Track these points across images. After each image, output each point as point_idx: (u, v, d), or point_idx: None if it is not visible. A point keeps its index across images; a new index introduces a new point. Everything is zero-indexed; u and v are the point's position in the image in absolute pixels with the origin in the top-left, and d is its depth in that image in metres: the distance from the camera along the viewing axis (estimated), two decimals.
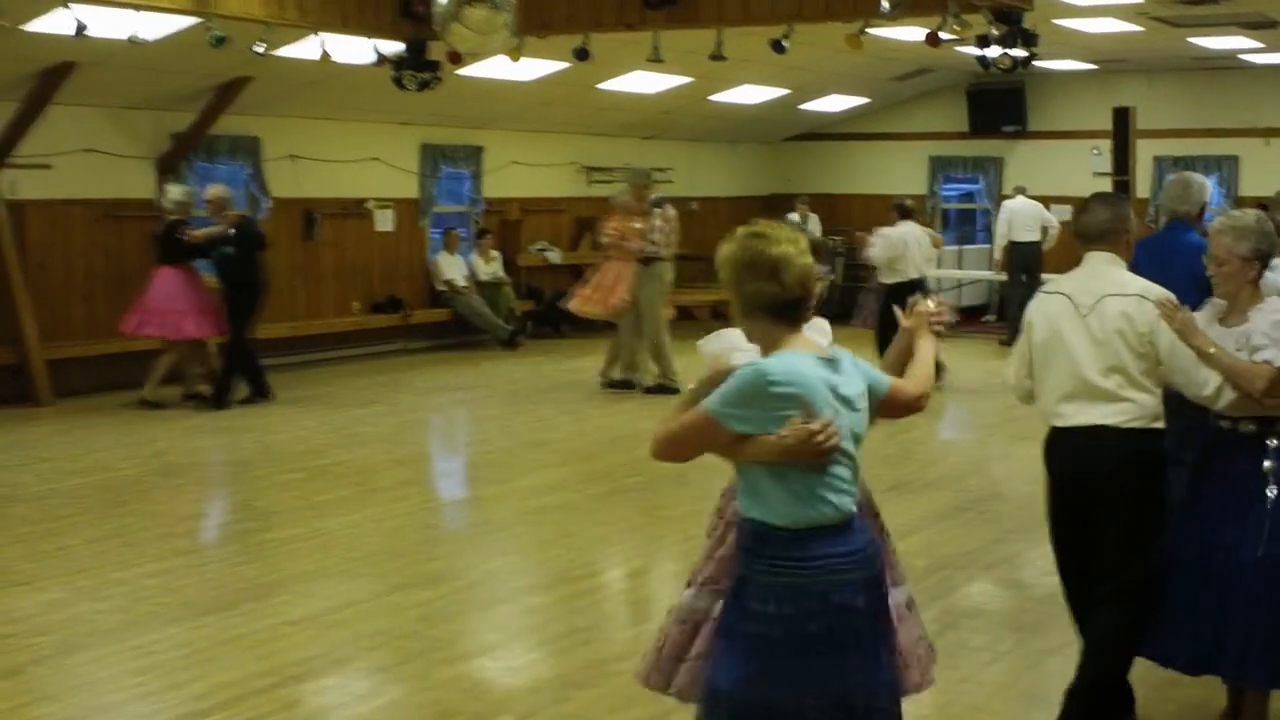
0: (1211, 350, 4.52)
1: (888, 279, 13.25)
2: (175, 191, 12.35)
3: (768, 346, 3.44)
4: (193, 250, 12.05)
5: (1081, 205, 4.99)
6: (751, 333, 3.48)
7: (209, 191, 12.33)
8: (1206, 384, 4.56)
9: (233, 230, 11.93)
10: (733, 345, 3.84)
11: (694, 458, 3.48)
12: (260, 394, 12.34)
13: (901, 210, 13.52)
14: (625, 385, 13.08)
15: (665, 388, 12.68)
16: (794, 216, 18.57)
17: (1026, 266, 16.58)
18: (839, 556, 3.34)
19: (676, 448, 3.45)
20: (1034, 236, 16.66)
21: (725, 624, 3.48)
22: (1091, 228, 4.84)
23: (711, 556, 4.10)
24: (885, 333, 13.47)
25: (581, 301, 13.28)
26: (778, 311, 3.41)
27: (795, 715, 3.31)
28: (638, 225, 12.98)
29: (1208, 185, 6.33)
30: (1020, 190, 17.39)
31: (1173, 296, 4.64)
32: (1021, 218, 16.72)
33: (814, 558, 3.31)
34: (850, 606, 3.33)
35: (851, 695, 3.33)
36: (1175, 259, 5.62)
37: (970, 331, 17.87)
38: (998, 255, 17.18)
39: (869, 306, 13.67)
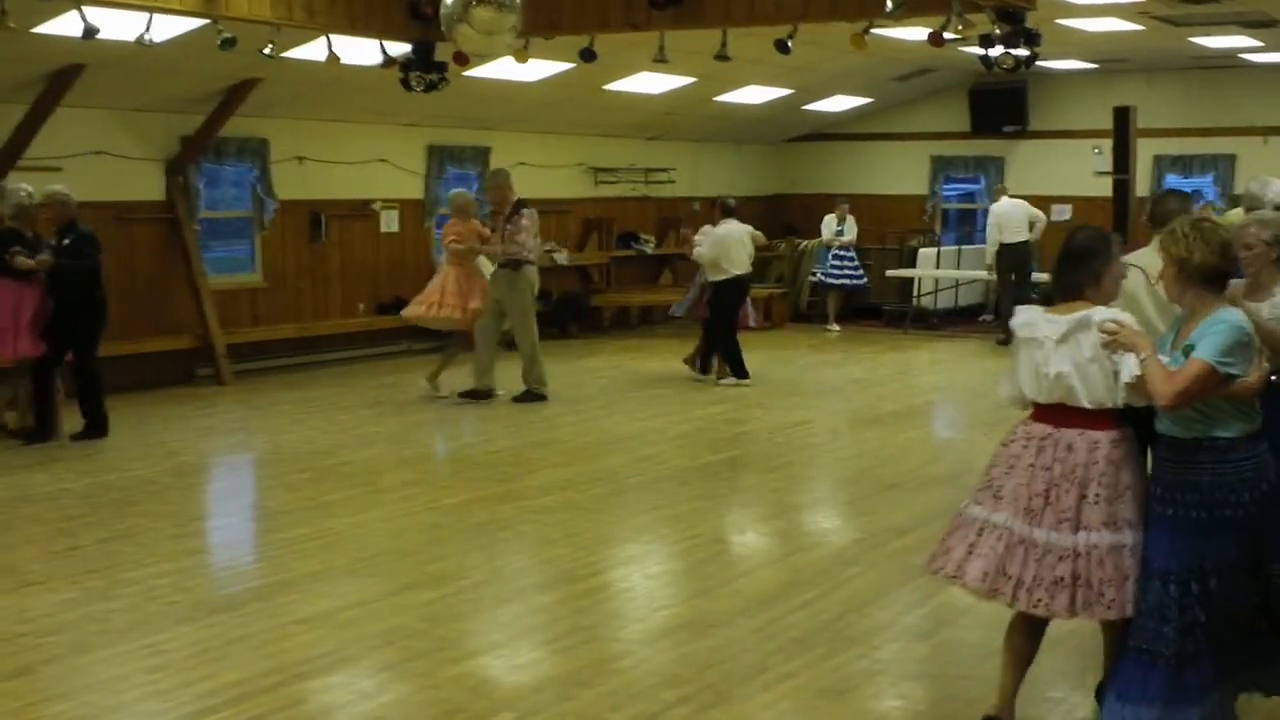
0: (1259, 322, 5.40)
1: (714, 276, 13.46)
2: (17, 194, 10.61)
3: (1203, 309, 4.57)
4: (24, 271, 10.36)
5: (1157, 197, 6.10)
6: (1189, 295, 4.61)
7: (41, 194, 10.59)
8: None
9: (55, 252, 10.35)
10: (1031, 321, 4.89)
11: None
12: (94, 430, 10.75)
13: (724, 208, 13.72)
14: (482, 395, 12.56)
15: (533, 394, 12.53)
16: (831, 219, 18.52)
17: (1016, 266, 16.78)
18: (1262, 452, 4.59)
19: (1190, 397, 4.46)
20: (1023, 236, 16.84)
21: (1196, 522, 4.55)
22: (1161, 216, 5.65)
23: (1102, 503, 4.76)
24: (714, 328, 13.61)
25: (430, 309, 12.70)
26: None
27: (1259, 566, 4.60)
28: (509, 227, 12.42)
29: None
30: (1003, 191, 17.52)
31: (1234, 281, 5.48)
32: (1010, 219, 16.86)
33: (1257, 454, 4.57)
34: (1276, 485, 4.61)
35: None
36: None
37: (967, 331, 17.96)
38: (989, 259, 17.32)
39: (694, 300, 14.09)
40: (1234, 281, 5.34)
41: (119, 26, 10.62)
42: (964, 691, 5.41)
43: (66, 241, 10.51)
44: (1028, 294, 17.07)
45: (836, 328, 18.46)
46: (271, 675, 5.62)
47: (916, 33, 13.03)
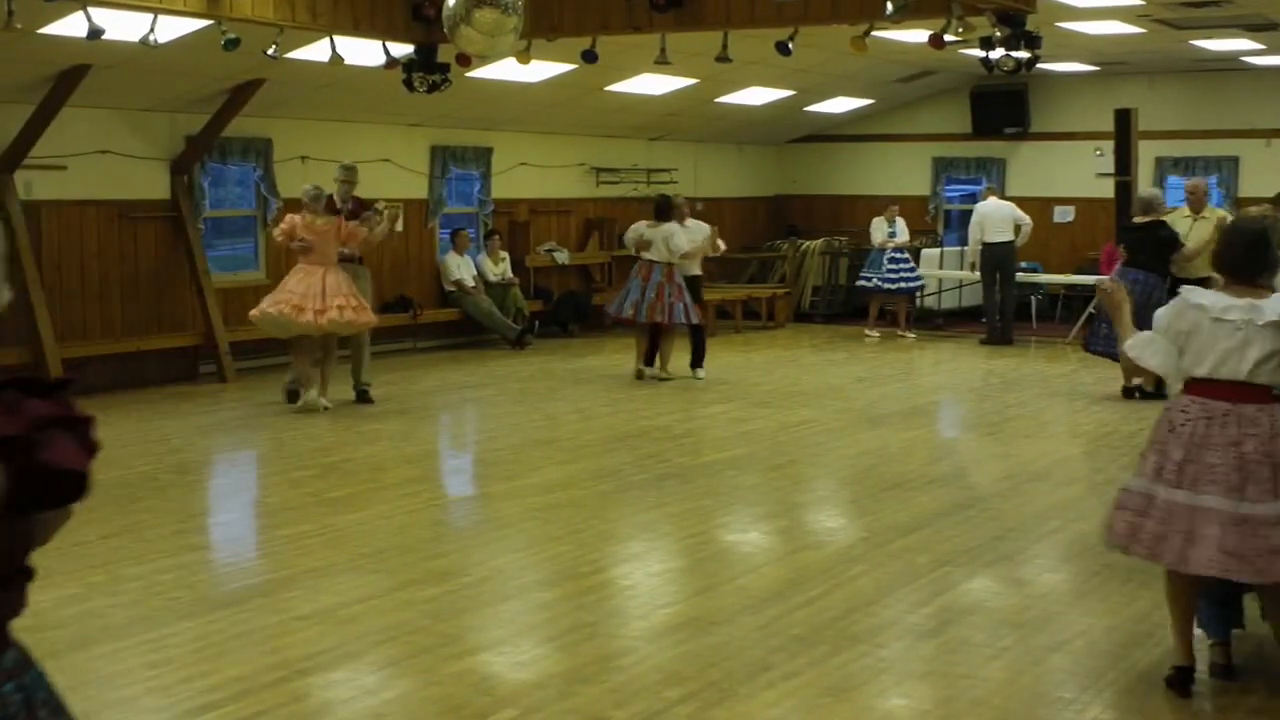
0: None
1: None
2: None
3: None
4: None
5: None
6: None
7: None
8: None
9: None
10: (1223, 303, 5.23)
11: None
12: None
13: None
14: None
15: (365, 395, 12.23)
16: (881, 221, 18.27)
17: (999, 266, 16.75)
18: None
19: None
20: (1006, 237, 16.77)
21: None
22: None
23: None
24: None
25: (353, 314, 11.68)
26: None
27: None
28: (362, 225, 11.93)
29: None
30: (991, 192, 17.51)
31: None
32: (993, 219, 16.83)
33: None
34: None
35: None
36: None
37: (971, 331, 17.95)
38: (971, 258, 17.29)
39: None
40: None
41: (124, 27, 10.64)
42: (969, 691, 5.39)
43: None
44: (1011, 294, 17.05)
45: (912, 334, 17.75)
46: (273, 671, 5.61)
47: (917, 35, 13.05)
